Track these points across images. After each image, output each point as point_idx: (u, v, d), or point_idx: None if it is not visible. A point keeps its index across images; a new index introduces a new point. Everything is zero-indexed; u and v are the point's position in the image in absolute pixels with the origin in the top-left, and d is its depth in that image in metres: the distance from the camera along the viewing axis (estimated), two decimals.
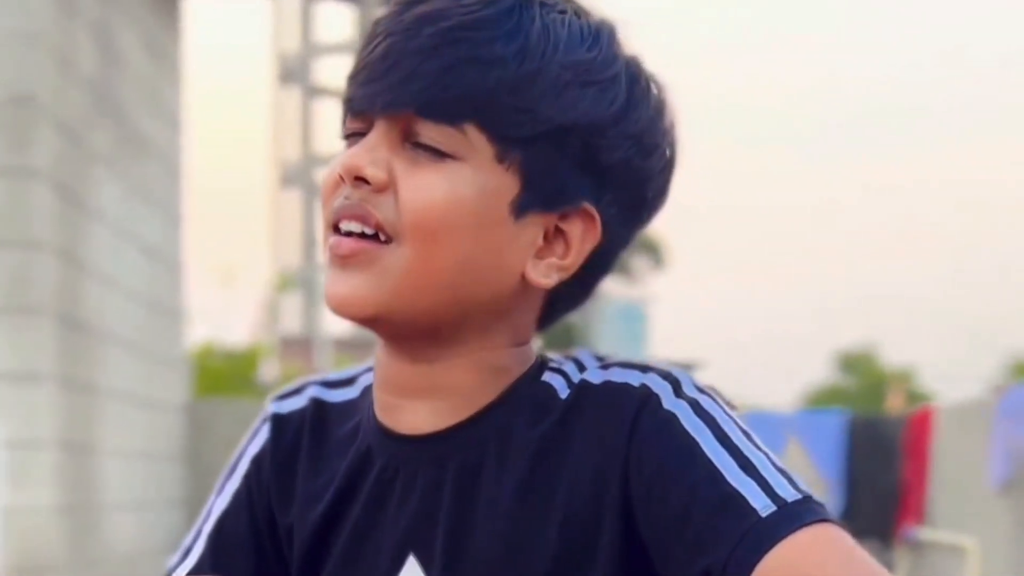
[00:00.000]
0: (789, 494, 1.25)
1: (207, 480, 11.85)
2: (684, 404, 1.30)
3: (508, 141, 1.30)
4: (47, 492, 8.31)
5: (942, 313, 76.72)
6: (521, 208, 1.31)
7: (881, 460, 12.69)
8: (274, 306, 38.50)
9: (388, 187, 1.30)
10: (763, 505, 1.23)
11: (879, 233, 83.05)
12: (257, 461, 1.46)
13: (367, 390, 1.43)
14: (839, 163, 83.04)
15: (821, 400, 41.87)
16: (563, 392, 1.35)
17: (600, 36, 1.34)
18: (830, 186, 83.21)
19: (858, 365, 46.68)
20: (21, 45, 8.17)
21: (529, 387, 1.36)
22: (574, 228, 1.34)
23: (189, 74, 12.52)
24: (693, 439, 1.28)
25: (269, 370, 24.79)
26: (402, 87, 1.29)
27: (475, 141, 1.30)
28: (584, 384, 1.34)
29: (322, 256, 1.35)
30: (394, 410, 1.37)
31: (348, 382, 1.46)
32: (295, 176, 52.10)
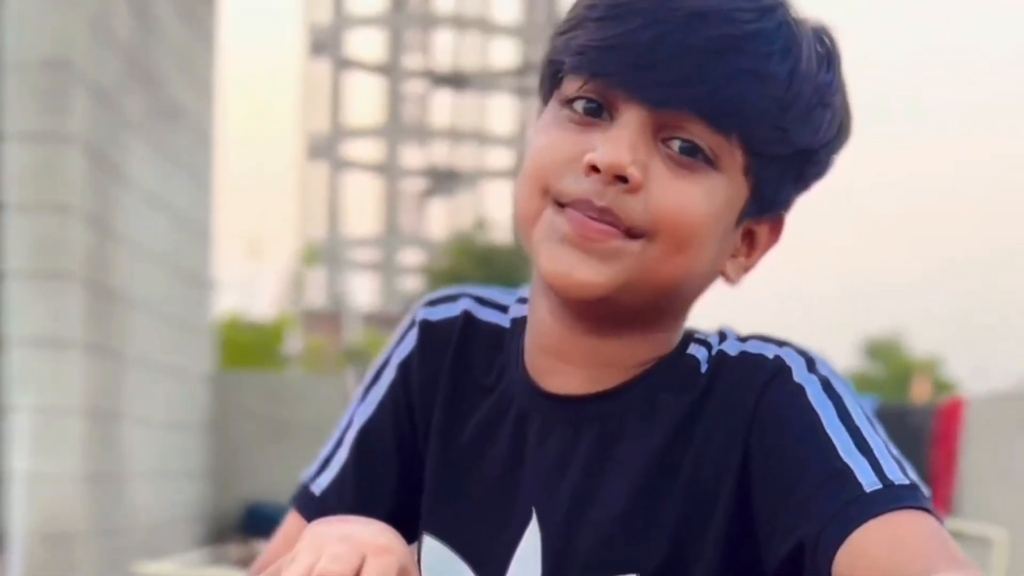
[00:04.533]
0: (897, 477, 1.27)
1: (231, 450, 11.82)
2: (815, 379, 1.32)
3: (759, 157, 1.32)
4: (72, 459, 8.28)
5: (969, 302, 76.55)
6: (743, 217, 1.36)
7: (909, 449, 12.57)
8: (299, 279, 38.62)
9: (641, 188, 1.30)
10: (869, 482, 1.25)
11: (907, 220, 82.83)
12: (404, 367, 1.46)
13: (516, 324, 1.44)
14: (869, 151, 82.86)
15: None
16: (704, 365, 1.37)
17: (833, 53, 1.36)
18: (859, 172, 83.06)
19: (884, 352, 46.61)
20: (57, 9, 8.12)
21: (677, 360, 1.38)
22: (763, 229, 1.38)
23: (222, 42, 12.48)
24: (816, 413, 1.30)
25: (293, 343, 24.82)
26: (684, 86, 1.28)
27: (735, 151, 1.31)
28: (721, 355, 1.36)
29: (534, 227, 1.33)
30: (547, 372, 1.38)
31: (502, 308, 1.46)
32: (323, 149, 52.13)
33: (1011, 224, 79.93)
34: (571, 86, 1.33)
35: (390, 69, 49.99)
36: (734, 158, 1.31)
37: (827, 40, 1.35)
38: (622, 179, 1.28)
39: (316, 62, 48.91)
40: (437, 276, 40.74)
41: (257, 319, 24.64)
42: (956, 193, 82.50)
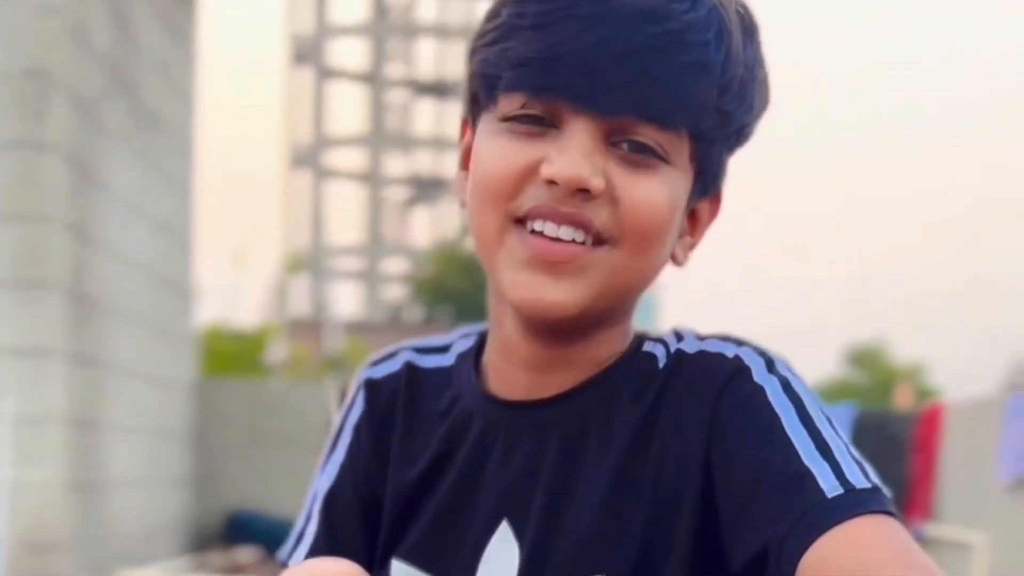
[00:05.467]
0: (859, 481, 1.25)
1: (214, 459, 11.80)
2: (775, 380, 1.31)
3: (703, 142, 1.32)
4: (54, 468, 8.29)
5: (952, 309, 76.69)
6: (691, 200, 1.35)
7: (889, 455, 12.65)
8: (283, 287, 38.55)
9: (604, 193, 1.28)
10: (831, 487, 1.24)
11: (890, 227, 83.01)
12: (357, 430, 1.46)
13: (462, 358, 1.44)
14: (854, 161, 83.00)
15: (830, 394, 41.84)
16: (662, 362, 1.36)
17: (753, 26, 1.35)
18: (843, 183, 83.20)
19: (867, 360, 46.65)
20: (37, 19, 8.13)
21: (634, 357, 1.37)
22: (704, 206, 1.38)
23: (203, 52, 12.50)
24: (776, 414, 1.29)
25: (277, 351, 24.78)
26: (631, 91, 1.26)
27: (683, 143, 1.31)
28: (679, 353, 1.35)
29: (499, 248, 1.31)
30: (513, 381, 1.38)
31: (442, 349, 1.46)
32: (306, 158, 51.99)
33: (997, 232, 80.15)
34: (511, 103, 1.29)
35: (373, 78, 49.94)
36: (682, 149, 1.30)
37: (745, 13, 1.34)
38: (583, 190, 1.26)
39: (299, 71, 48.84)
40: (421, 285, 40.70)
41: (240, 327, 24.63)
42: (943, 200, 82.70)
